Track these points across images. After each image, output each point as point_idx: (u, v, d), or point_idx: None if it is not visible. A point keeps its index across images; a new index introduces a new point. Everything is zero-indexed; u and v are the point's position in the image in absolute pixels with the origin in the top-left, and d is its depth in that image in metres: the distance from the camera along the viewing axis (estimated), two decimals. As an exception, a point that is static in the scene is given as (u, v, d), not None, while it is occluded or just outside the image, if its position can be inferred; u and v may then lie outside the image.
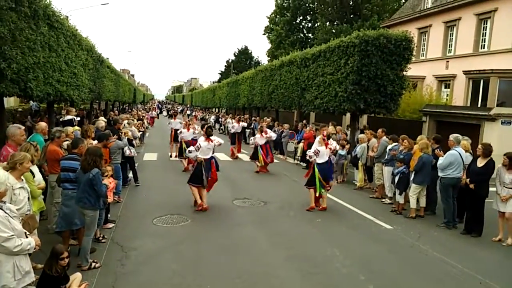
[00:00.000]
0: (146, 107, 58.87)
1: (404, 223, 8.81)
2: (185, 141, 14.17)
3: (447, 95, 22.98)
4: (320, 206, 9.53)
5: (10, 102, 25.97)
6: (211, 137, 9.39)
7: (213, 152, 9.66)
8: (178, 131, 15.14)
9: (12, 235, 3.59)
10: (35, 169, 5.61)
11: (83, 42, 17.46)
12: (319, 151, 9.44)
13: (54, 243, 5.31)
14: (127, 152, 10.22)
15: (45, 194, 7.05)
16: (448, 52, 24.17)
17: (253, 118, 27.03)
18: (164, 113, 55.68)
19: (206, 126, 9.96)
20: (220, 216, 8.82)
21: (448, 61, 23.73)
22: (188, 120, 16.26)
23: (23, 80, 10.31)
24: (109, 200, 6.73)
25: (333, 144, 9.74)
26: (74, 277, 4.97)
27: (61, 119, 12.26)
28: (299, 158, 17.00)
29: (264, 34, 55.58)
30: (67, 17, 14.99)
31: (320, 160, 9.49)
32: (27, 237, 3.84)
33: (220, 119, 34.62)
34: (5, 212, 3.64)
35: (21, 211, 4.69)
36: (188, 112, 46.93)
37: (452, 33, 23.94)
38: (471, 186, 8.03)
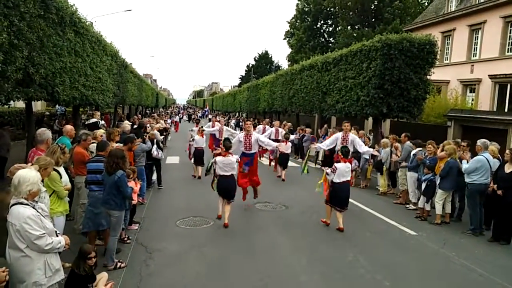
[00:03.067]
0: (169, 111, 59.24)
1: (429, 230, 8.65)
2: (198, 148, 13.44)
3: (473, 100, 22.50)
4: (337, 225, 8.26)
5: (37, 106, 26.71)
6: (230, 151, 8.44)
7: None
8: (191, 139, 14.30)
9: (44, 233, 3.68)
10: (62, 170, 5.74)
11: (108, 48, 17.84)
12: (336, 168, 8.14)
13: (81, 243, 5.43)
14: (154, 153, 10.46)
15: (71, 197, 7.23)
16: (473, 56, 23.66)
17: (272, 122, 27.00)
18: (185, 117, 55.88)
19: (224, 139, 8.98)
20: (242, 219, 8.84)
21: (473, 65, 23.25)
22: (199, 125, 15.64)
23: (50, 85, 10.61)
24: (133, 202, 6.84)
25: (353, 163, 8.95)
26: (101, 276, 5.07)
27: (86, 122, 12.53)
28: (321, 162, 16.89)
29: (285, 38, 55.57)
30: (92, 23, 15.33)
31: (337, 179, 8.15)
32: (57, 236, 3.93)
33: (240, 123, 34.73)
34: (37, 211, 3.74)
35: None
36: (210, 116, 46.66)
37: (477, 36, 23.44)
38: (499, 192, 7.84)
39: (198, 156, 13.53)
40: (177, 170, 15.00)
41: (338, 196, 8.20)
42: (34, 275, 3.68)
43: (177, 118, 42.01)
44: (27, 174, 3.73)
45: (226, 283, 5.66)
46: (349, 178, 8.36)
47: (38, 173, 3.92)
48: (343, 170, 8.16)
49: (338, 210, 8.24)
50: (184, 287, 5.52)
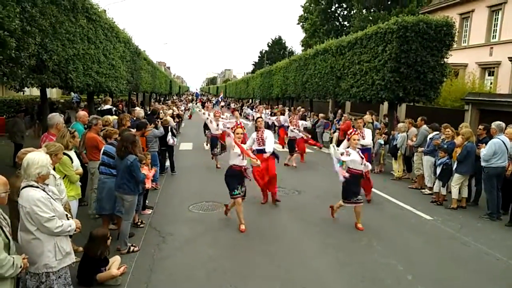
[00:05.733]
0: (182, 98, 59.45)
1: (445, 214, 8.51)
2: (213, 136, 12.65)
3: (491, 83, 21.95)
4: (355, 224, 7.47)
5: (53, 94, 27.04)
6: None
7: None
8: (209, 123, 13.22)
9: (53, 216, 3.69)
10: (73, 154, 5.76)
11: (120, 35, 17.84)
12: (350, 152, 7.33)
13: (94, 228, 5.48)
14: (171, 141, 10.53)
15: (85, 182, 7.30)
16: (492, 38, 23.00)
17: (286, 108, 26.84)
18: (199, 105, 55.84)
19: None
20: (254, 204, 8.82)
21: (492, 48, 22.62)
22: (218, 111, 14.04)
23: (63, 72, 10.67)
24: (147, 186, 6.86)
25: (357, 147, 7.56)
26: (114, 260, 5.12)
27: (99, 109, 12.61)
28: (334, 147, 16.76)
29: (298, 23, 54.91)
30: (105, 10, 15.33)
31: (351, 165, 7.40)
32: (68, 220, 3.94)
33: (254, 109, 34.57)
34: (48, 194, 3.75)
35: (64, 200, 4.82)
36: (223, 103, 45.62)
37: (497, 17, 22.74)
38: (519, 175, 7.63)
39: (214, 143, 12.67)
40: (190, 156, 15.06)
41: (348, 187, 7.33)
42: (45, 257, 3.70)
43: (190, 106, 41.98)
44: (36, 157, 3.73)
45: (237, 267, 5.65)
46: (361, 169, 7.41)
47: (48, 156, 3.91)
48: (355, 157, 7.29)
49: (352, 203, 7.37)
50: (197, 270, 5.52)
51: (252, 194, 9.45)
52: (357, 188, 7.46)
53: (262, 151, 8.73)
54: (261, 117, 9.83)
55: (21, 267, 3.36)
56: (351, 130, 7.83)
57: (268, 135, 9.07)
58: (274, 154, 9.05)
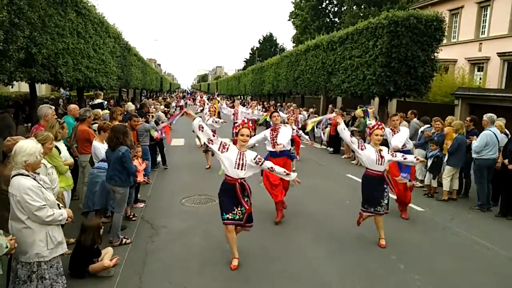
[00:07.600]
0: (173, 95, 59.30)
1: (436, 206, 8.58)
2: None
3: (480, 78, 22.16)
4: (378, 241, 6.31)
5: (42, 90, 26.71)
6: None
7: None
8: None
9: (44, 204, 3.63)
10: (61, 145, 5.70)
11: (110, 30, 17.67)
12: (365, 147, 6.16)
13: (85, 220, 5.43)
14: (155, 134, 10.30)
15: (76, 176, 7.22)
16: (481, 34, 23.20)
17: (278, 104, 26.88)
18: (190, 102, 55.64)
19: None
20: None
21: (481, 43, 22.83)
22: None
23: (53, 66, 10.55)
24: (139, 179, 6.82)
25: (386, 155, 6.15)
26: (106, 251, 5.08)
27: (91, 103, 12.50)
28: (326, 143, 16.82)
29: (289, 19, 54.78)
30: (94, 6, 15.16)
31: (368, 163, 6.15)
32: (60, 209, 3.89)
33: (246, 107, 34.52)
34: (39, 183, 3.69)
35: (56, 190, 4.77)
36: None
37: (486, 13, 22.94)
38: (510, 167, 7.69)
39: None
40: (182, 151, 15.01)
41: (366, 192, 6.28)
42: (36, 246, 3.66)
43: (182, 102, 41.83)
44: (24, 145, 3.67)
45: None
46: (381, 170, 6.12)
47: (39, 146, 3.85)
48: (371, 153, 6.08)
49: (370, 213, 6.29)
50: (189, 262, 5.50)
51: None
52: (377, 195, 6.13)
53: (276, 154, 7.44)
54: (276, 111, 8.26)
55: (7, 247, 3.32)
56: (374, 123, 6.42)
57: (284, 131, 7.61)
58: (289, 155, 7.89)
